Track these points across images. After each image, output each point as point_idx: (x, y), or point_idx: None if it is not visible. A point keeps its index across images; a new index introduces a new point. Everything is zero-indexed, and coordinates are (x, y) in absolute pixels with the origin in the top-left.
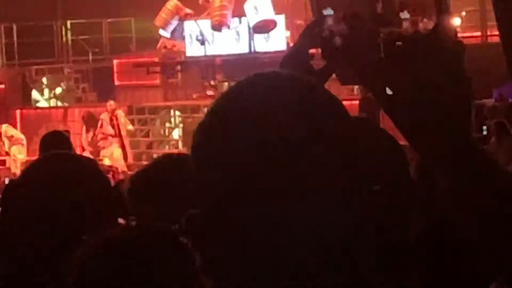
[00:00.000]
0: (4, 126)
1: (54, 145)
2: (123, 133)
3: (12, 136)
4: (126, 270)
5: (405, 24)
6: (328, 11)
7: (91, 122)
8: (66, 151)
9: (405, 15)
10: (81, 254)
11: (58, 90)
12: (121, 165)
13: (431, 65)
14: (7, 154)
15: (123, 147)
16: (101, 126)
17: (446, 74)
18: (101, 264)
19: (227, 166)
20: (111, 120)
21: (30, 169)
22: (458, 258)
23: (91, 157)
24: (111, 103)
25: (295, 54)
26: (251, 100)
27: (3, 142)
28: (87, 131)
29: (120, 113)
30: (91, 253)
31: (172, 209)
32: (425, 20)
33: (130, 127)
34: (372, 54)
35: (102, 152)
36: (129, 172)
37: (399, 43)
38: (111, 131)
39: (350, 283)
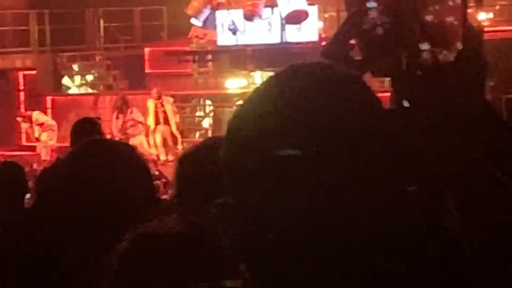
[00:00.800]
0: (35, 112)
1: (86, 132)
2: (171, 122)
3: (43, 123)
4: (160, 267)
5: (425, 55)
6: (372, 4)
7: (122, 107)
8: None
9: (424, 46)
10: (118, 250)
11: (89, 77)
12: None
13: (451, 96)
14: (38, 140)
15: (171, 135)
16: (131, 113)
17: (464, 109)
18: (136, 260)
19: (262, 155)
20: (156, 107)
21: (69, 155)
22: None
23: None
24: (154, 91)
25: (335, 45)
26: (290, 88)
27: (34, 129)
28: (117, 117)
29: (167, 101)
30: (127, 248)
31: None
32: (444, 52)
33: (177, 118)
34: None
35: (131, 140)
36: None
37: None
38: (141, 118)
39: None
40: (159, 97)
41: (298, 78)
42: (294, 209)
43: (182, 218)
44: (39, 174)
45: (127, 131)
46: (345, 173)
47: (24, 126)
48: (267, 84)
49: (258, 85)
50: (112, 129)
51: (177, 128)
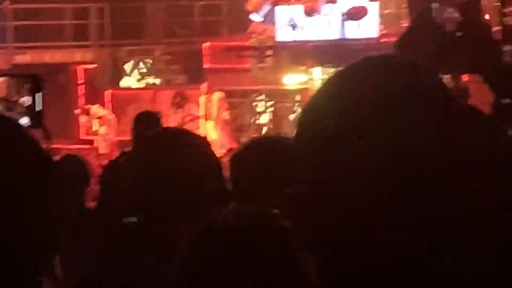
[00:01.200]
0: (94, 106)
1: (147, 125)
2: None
3: (101, 116)
4: (229, 257)
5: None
6: (436, 5)
7: (181, 103)
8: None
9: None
10: (185, 240)
11: (148, 72)
12: None
13: None
14: (96, 134)
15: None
16: (190, 108)
17: None
18: (204, 250)
19: (340, 142)
20: (207, 103)
21: (137, 148)
22: None
23: None
24: (203, 87)
25: (407, 40)
26: (365, 80)
27: (92, 122)
28: (175, 112)
29: (215, 98)
30: (195, 238)
31: (269, 191)
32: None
33: (226, 114)
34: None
35: None
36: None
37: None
38: (199, 113)
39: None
40: (208, 92)
41: (374, 71)
42: (374, 197)
43: (246, 209)
44: (105, 167)
45: (186, 126)
46: (425, 171)
47: (83, 119)
48: (339, 77)
49: (328, 78)
50: (170, 123)
51: (226, 124)
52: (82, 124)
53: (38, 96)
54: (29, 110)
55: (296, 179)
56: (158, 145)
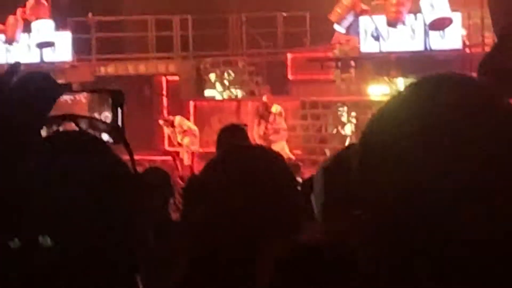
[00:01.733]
0: (178, 117)
1: (231, 138)
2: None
3: (185, 128)
4: (319, 277)
5: None
6: None
7: (265, 114)
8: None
9: None
10: (271, 258)
11: (232, 83)
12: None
13: None
14: (180, 145)
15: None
16: (274, 119)
17: None
18: (293, 268)
19: (407, 165)
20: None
21: (218, 161)
22: None
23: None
24: (264, 98)
25: (489, 61)
26: (429, 100)
27: (176, 134)
28: (259, 124)
29: (276, 109)
30: (282, 256)
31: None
32: None
33: (283, 124)
34: None
35: (274, 146)
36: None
37: None
38: (283, 124)
39: None
40: (265, 104)
41: (443, 89)
42: (440, 222)
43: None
44: (189, 179)
45: (270, 137)
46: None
47: (167, 131)
48: (409, 91)
49: (398, 91)
50: (253, 135)
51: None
52: (167, 135)
53: (120, 111)
54: (111, 126)
55: (362, 201)
56: (238, 163)
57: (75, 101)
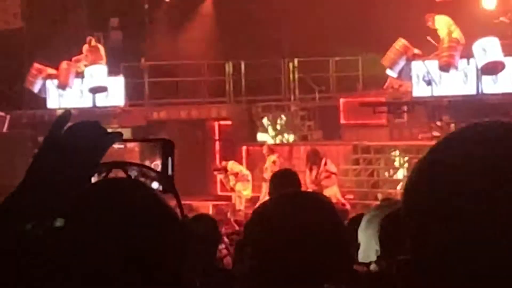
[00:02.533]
0: (230, 162)
1: (284, 183)
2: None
3: (237, 173)
4: None
5: None
6: None
7: (315, 159)
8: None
9: None
10: None
11: (284, 127)
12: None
13: None
14: (232, 190)
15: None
16: (325, 164)
17: None
18: None
19: (452, 215)
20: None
21: (270, 208)
22: None
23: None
24: (265, 147)
25: None
26: (476, 147)
27: (229, 178)
28: (310, 169)
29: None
30: None
31: None
32: None
33: (333, 169)
34: None
35: (326, 191)
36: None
37: None
38: (334, 169)
39: None
40: (269, 154)
41: (484, 136)
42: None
43: None
44: (245, 226)
45: (321, 182)
46: None
47: (220, 175)
48: (449, 140)
49: (441, 140)
50: (305, 179)
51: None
52: (219, 180)
53: (170, 160)
54: (161, 175)
55: (406, 245)
56: (287, 208)
57: (127, 149)
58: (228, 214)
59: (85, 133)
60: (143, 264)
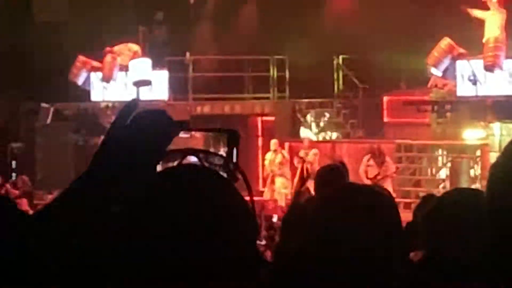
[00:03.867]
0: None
1: (331, 179)
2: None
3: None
4: None
5: None
6: None
7: (379, 160)
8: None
9: None
10: None
11: (327, 124)
12: None
13: None
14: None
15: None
16: (388, 166)
17: None
18: None
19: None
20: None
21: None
22: None
23: None
24: (272, 142)
25: None
26: None
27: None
28: (368, 166)
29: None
30: None
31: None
32: None
33: (393, 169)
34: None
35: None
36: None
37: None
38: (394, 169)
39: None
40: (275, 150)
41: None
42: None
43: None
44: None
45: (378, 182)
46: None
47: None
48: None
49: None
50: (361, 174)
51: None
52: (261, 176)
53: (235, 151)
54: (231, 163)
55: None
56: (336, 204)
57: (190, 137)
58: (261, 213)
59: (152, 121)
60: (218, 251)
